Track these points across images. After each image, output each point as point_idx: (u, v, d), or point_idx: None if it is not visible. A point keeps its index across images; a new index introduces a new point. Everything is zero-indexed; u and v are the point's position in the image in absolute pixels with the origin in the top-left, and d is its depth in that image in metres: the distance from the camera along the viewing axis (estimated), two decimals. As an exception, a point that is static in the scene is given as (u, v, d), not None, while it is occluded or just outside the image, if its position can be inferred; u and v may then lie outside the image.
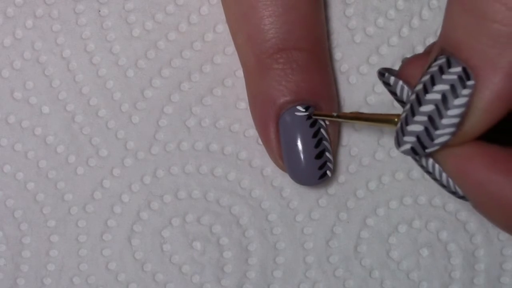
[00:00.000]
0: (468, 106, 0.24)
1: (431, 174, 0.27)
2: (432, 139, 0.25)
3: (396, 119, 0.28)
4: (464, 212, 0.34)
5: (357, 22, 0.34)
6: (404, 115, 0.25)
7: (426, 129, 0.25)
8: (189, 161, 0.34)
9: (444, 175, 0.26)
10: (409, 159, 0.34)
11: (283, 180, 0.34)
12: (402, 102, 0.28)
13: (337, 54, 0.34)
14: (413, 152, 0.25)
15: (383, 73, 0.28)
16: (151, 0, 0.35)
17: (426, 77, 0.25)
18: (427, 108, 0.25)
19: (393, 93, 0.28)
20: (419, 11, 0.34)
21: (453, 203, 0.34)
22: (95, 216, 0.35)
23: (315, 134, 0.32)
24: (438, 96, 0.25)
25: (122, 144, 0.35)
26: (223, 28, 0.34)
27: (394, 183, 0.34)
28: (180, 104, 0.35)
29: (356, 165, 0.34)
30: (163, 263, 0.34)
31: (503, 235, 0.34)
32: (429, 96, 0.25)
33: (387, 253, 0.34)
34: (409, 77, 0.27)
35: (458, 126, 0.25)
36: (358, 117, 0.30)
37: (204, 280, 0.34)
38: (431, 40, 0.34)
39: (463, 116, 0.24)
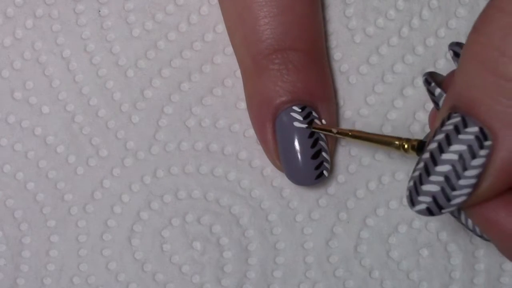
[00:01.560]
0: (485, 166, 0.24)
1: (456, 218, 0.27)
2: (448, 200, 0.24)
3: (397, 142, 0.28)
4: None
5: (357, 22, 0.34)
6: (417, 173, 0.25)
7: (443, 189, 0.24)
8: (189, 161, 0.34)
9: (469, 221, 0.26)
10: (409, 159, 0.34)
11: (283, 180, 0.34)
12: None
13: (337, 54, 0.34)
14: (429, 212, 0.25)
15: (429, 82, 0.27)
16: (151, 0, 0.35)
17: (441, 136, 0.24)
18: (443, 168, 0.24)
19: (435, 102, 0.27)
20: (419, 11, 0.34)
21: (453, 203, 0.34)
22: (95, 216, 0.35)
23: (312, 134, 0.32)
24: (455, 157, 0.24)
25: (122, 144, 0.35)
26: (223, 28, 0.34)
27: (394, 183, 0.34)
28: (180, 104, 0.35)
29: (356, 165, 0.34)
30: (163, 263, 0.34)
31: (503, 235, 0.34)
32: (445, 156, 0.24)
33: (387, 253, 0.34)
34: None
35: (475, 186, 0.24)
36: (358, 136, 0.30)
37: (204, 280, 0.34)
38: (431, 40, 0.34)
39: (480, 176, 0.24)
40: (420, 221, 0.34)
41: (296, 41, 0.32)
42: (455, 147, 0.24)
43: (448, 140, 0.24)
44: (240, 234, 0.34)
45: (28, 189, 0.35)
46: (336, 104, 0.34)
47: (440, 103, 0.27)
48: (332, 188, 0.34)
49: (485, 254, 0.34)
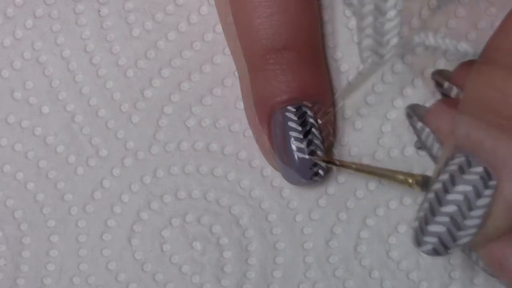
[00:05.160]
0: (490, 206, 0.24)
1: (467, 255, 0.27)
2: (454, 239, 0.24)
3: (401, 177, 0.28)
4: (464, 212, 0.34)
5: (357, 22, 0.34)
6: (423, 214, 0.25)
7: (448, 229, 0.24)
8: (189, 161, 0.34)
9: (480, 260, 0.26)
10: (409, 159, 0.34)
11: (283, 180, 0.34)
12: (425, 147, 0.28)
13: (337, 54, 0.34)
14: (435, 252, 0.25)
15: (410, 115, 0.27)
16: (151, 0, 0.35)
17: (445, 176, 0.25)
18: (449, 208, 0.24)
19: (418, 136, 0.28)
20: (418, 11, 0.34)
21: (453, 203, 0.34)
22: (95, 216, 0.35)
23: (307, 134, 0.32)
24: (460, 197, 0.24)
25: (122, 144, 0.35)
26: (223, 28, 0.35)
27: (394, 183, 0.34)
28: (180, 104, 0.35)
29: (356, 165, 0.34)
30: (163, 263, 0.34)
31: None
32: (450, 197, 0.24)
33: (387, 253, 0.34)
34: (435, 126, 0.27)
35: (481, 226, 0.24)
36: (361, 169, 0.30)
37: (204, 280, 0.34)
38: (431, 40, 0.34)
39: (485, 216, 0.24)
40: (420, 221, 0.34)
41: (290, 41, 0.31)
42: (459, 187, 0.24)
43: (453, 180, 0.24)
44: (240, 234, 0.34)
45: (28, 189, 0.35)
46: (335, 104, 0.34)
47: (423, 137, 0.27)
48: (332, 188, 0.34)
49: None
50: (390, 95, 0.34)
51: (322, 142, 0.32)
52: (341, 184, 0.34)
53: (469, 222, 0.24)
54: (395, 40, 0.25)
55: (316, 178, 0.32)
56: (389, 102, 0.34)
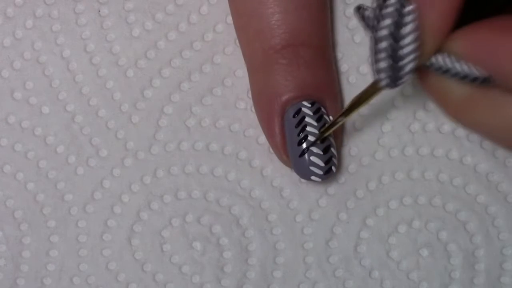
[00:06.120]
0: (418, 30, 0.25)
1: (448, 71, 0.27)
2: (399, 70, 0.26)
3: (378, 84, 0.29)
4: (464, 212, 0.34)
5: (357, 22, 0.34)
6: (371, 55, 0.27)
7: (390, 63, 0.26)
8: (189, 161, 0.34)
9: (458, 64, 0.26)
10: (409, 159, 0.34)
11: (283, 180, 0.34)
12: None
13: (337, 54, 0.34)
14: (390, 85, 0.27)
15: (358, 7, 0.28)
16: (151, 0, 0.35)
17: (374, 16, 0.26)
18: (382, 45, 0.26)
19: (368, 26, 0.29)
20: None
21: (452, 203, 0.34)
22: (95, 216, 0.35)
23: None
24: (386, 32, 0.26)
25: (122, 144, 0.35)
26: (223, 28, 0.34)
27: (394, 183, 0.34)
28: (180, 104, 0.35)
29: (356, 165, 0.34)
30: (163, 263, 0.34)
31: (503, 235, 0.34)
32: (380, 34, 0.26)
33: (387, 253, 0.34)
34: None
35: (417, 51, 0.26)
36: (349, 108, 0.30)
37: (204, 280, 0.34)
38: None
39: (418, 40, 0.25)
40: (420, 221, 0.34)
41: (309, 38, 0.32)
42: (383, 23, 0.26)
43: (377, 18, 0.26)
44: (240, 234, 0.34)
45: (28, 189, 0.35)
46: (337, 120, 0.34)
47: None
48: (332, 188, 0.34)
49: (485, 254, 0.34)
50: (390, 94, 0.34)
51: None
52: (341, 184, 0.34)
53: (404, 51, 0.26)
54: (411, 66, 0.26)
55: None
56: (389, 102, 0.34)
